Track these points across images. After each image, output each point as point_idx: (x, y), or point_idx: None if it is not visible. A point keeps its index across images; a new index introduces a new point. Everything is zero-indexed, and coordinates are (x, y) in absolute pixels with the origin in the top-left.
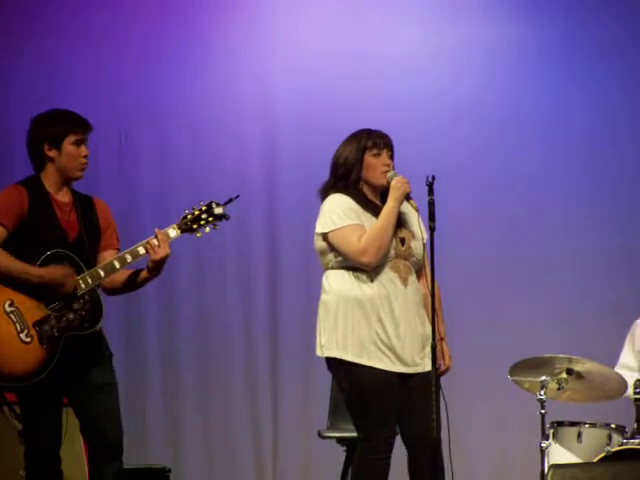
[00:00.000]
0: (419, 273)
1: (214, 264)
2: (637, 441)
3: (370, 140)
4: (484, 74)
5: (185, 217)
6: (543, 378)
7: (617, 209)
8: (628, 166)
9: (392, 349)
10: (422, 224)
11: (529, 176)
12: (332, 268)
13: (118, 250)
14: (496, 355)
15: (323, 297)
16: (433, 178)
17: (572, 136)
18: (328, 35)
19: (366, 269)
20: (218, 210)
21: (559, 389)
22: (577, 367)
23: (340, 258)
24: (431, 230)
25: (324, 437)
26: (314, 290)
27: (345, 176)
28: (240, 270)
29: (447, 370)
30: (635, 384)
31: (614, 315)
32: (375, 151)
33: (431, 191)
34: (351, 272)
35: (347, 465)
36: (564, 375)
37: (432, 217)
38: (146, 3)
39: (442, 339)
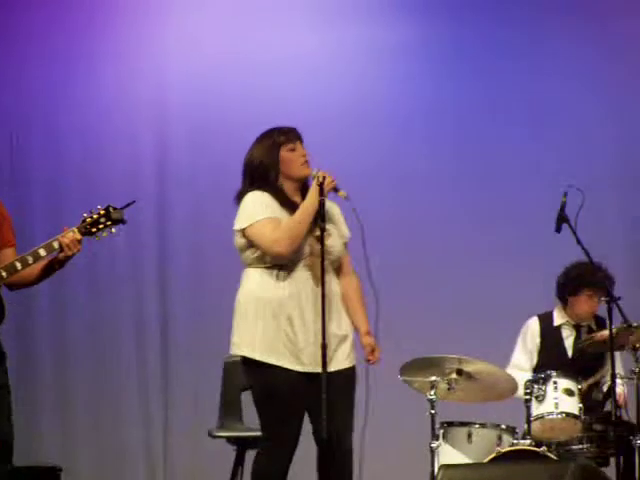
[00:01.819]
0: (338, 271)
1: (105, 264)
2: (527, 442)
3: (282, 136)
4: (383, 74)
5: (84, 220)
6: (433, 378)
7: (510, 207)
8: (521, 168)
9: (301, 349)
10: (344, 222)
11: (426, 174)
12: (250, 265)
13: (14, 246)
14: (389, 355)
15: (237, 296)
16: (324, 178)
17: (467, 135)
18: (223, 36)
19: (282, 262)
20: (116, 215)
21: (449, 389)
22: (467, 367)
23: (257, 254)
24: (321, 230)
25: (214, 436)
26: (204, 291)
27: (263, 177)
28: (131, 270)
29: (376, 361)
30: (525, 385)
31: (505, 315)
32: (290, 145)
33: (322, 192)
34: (267, 270)
35: (237, 464)
36: (454, 375)
37: (322, 218)
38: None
39: (368, 333)
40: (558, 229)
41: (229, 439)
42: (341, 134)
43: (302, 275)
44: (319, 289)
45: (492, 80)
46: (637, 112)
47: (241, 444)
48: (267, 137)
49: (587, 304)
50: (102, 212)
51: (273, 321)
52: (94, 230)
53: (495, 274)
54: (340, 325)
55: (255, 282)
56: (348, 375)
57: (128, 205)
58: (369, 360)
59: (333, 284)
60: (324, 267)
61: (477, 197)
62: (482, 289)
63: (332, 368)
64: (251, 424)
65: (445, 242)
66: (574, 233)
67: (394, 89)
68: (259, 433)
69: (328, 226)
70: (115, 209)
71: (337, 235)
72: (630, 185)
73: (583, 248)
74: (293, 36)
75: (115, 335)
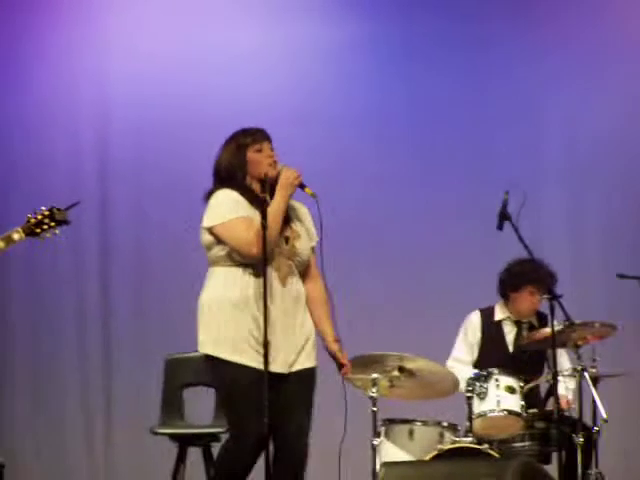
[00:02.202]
0: (305, 273)
1: (47, 261)
2: (469, 439)
3: (248, 137)
4: (331, 72)
5: (29, 221)
6: (375, 376)
7: (453, 205)
8: (465, 165)
9: (266, 348)
10: (313, 223)
11: (373, 173)
12: (216, 264)
13: None
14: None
15: (202, 294)
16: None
17: (415, 133)
18: (166, 34)
19: (251, 263)
20: (60, 216)
21: (391, 387)
22: (409, 365)
23: (224, 252)
24: (263, 228)
25: (156, 433)
26: (146, 288)
27: (231, 178)
28: (73, 267)
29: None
30: (467, 382)
31: (447, 313)
32: (256, 146)
33: (271, 191)
34: (233, 268)
35: (179, 461)
36: (396, 373)
37: (264, 216)
38: None
39: (336, 340)
40: (500, 227)
41: (171, 436)
42: (290, 134)
43: (268, 275)
44: (285, 289)
45: (441, 78)
46: (581, 108)
47: (182, 441)
48: (234, 139)
49: (529, 300)
50: (46, 213)
51: (238, 320)
52: (38, 231)
53: (437, 272)
54: (304, 326)
55: (221, 281)
56: (309, 375)
57: (72, 206)
58: (344, 373)
59: (298, 285)
60: (265, 266)
61: (422, 195)
62: (424, 286)
63: (295, 368)
64: (193, 421)
65: (388, 239)
66: (516, 231)
67: (343, 87)
68: (201, 430)
69: (297, 227)
70: (59, 210)
71: (306, 237)
72: (573, 183)
73: (525, 245)
74: (239, 34)
75: (57, 333)
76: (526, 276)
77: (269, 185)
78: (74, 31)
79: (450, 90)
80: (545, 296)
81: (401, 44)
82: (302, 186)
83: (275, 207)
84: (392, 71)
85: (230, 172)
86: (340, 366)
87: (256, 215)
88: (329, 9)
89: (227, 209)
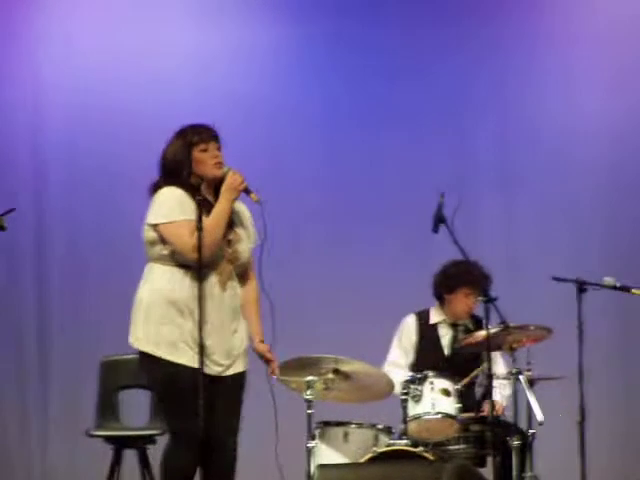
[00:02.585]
0: (243, 276)
1: None
2: (404, 442)
3: (196, 135)
4: (265, 73)
5: None
6: (310, 378)
7: (388, 207)
8: (400, 168)
9: (203, 350)
10: (253, 226)
11: (307, 173)
12: (156, 261)
13: None
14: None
15: (140, 290)
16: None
17: (349, 134)
18: (101, 34)
19: (191, 265)
20: None
21: (326, 389)
22: (344, 367)
23: (167, 251)
24: (198, 230)
25: (92, 436)
26: (81, 289)
27: (176, 174)
28: (6, 269)
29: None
30: (402, 385)
31: (382, 315)
32: (202, 146)
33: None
34: (174, 268)
35: (114, 464)
36: (331, 375)
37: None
38: None
39: (262, 341)
40: (435, 229)
41: (106, 438)
42: (226, 134)
43: (209, 277)
44: (224, 294)
45: (376, 80)
46: (515, 110)
47: (118, 443)
48: (181, 135)
49: (464, 302)
50: None
51: (177, 320)
52: None
53: (373, 274)
54: (241, 330)
55: (161, 279)
56: (241, 379)
57: (8, 212)
58: (271, 373)
59: (237, 289)
60: (202, 267)
61: (357, 197)
62: (360, 289)
63: (231, 371)
64: (128, 423)
65: (325, 242)
66: (451, 233)
67: (281, 87)
68: (136, 432)
69: (239, 230)
70: None
71: (247, 240)
72: (508, 185)
73: (460, 248)
74: (174, 34)
75: None
76: (461, 278)
77: (214, 186)
78: (8, 25)
79: (386, 93)
80: (480, 298)
81: (336, 46)
82: (247, 191)
83: (218, 211)
84: (329, 73)
85: (175, 168)
86: (268, 364)
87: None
88: (266, 10)
89: (173, 209)
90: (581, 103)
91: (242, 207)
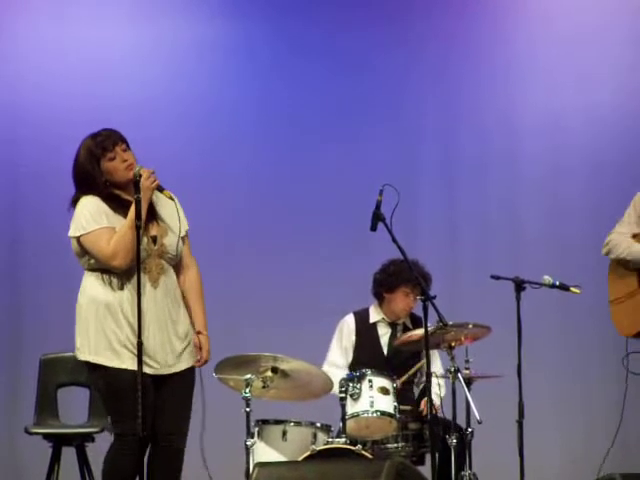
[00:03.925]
0: (178, 265)
1: None
2: (342, 440)
3: (99, 148)
4: (200, 72)
5: None
6: (248, 376)
7: (327, 206)
8: (337, 166)
9: (143, 351)
10: (182, 215)
11: (243, 173)
12: (88, 270)
13: None
14: None
15: (78, 300)
16: (140, 176)
17: (284, 133)
18: (35, 31)
19: (117, 271)
20: None
21: (264, 387)
22: (282, 365)
23: (93, 261)
24: (137, 229)
25: (31, 433)
26: (24, 286)
27: (89, 185)
28: None
29: (204, 363)
30: (340, 383)
31: (321, 313)
32: (109, 155)
33: (137, 189)
34: (104, 275)
35: (53, 461)
36: (269, 373)
37: (138, 216)
38: None
39: (200, 332)
40: (374, 227)
41: (45, 436)
42: (161, 133)
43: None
44: (157, 291)
45: (315, 77)
46: (457, 107)
47: (57, 441)
48: (85, 148)
49: (403, 301)
50: None
51: (113, 324)
52: None
53: (312, 272)
54: (181, 324)
55: (94, 286)
56: (187, 376)
57: None
58: (197, 363)
59: (172, 284)
60: (140, 268)
61: (295, 194)
62: (299, 287)
63: (176, 369)
64: (67, 421)
65: (262, 239)
66: (390, 231)
67: (215, 85)
68: (75, 430)
69: (163, 224)
70: None
71: (175, 231)
72: (448, 184)
73: (399, 246)
74: (110, 31)
75: None
76: (400, 277)
77: (132, 184)
78: None
79: (325, 90)
80: (419, 297)
81: (274, 44)
82: (160, 189)
83: (130, 217)
84: (268, 71)
85: (88, 179)
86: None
87: (120, 222)
88: (204, 8)
89: (88, 220)
90: (522, 100)
91: (164, 200)
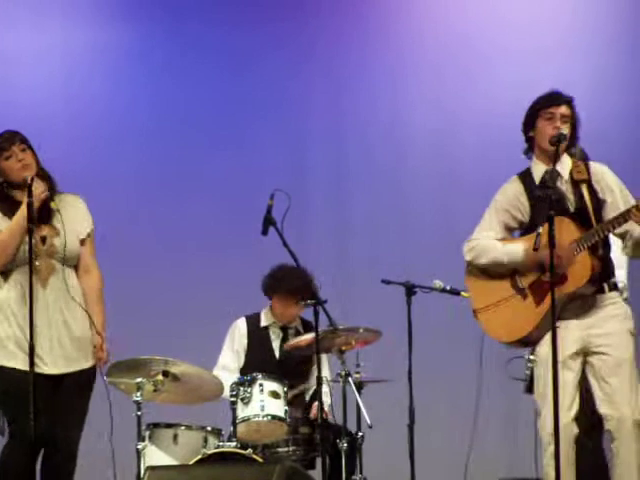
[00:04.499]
0: (77, 267)
1: None
2: (233, 444)
3: None
4: (95, 75)
5: None
6: (139, 380)
7: (220, 209)
8: (232, 168)
9: (34, 351)
10: (86, 217)
11: (138, 175)
12: None
13: None
14: None
15: None
16: (32, 180)
17: (181, 134)
18: None
19: (9, 268)
20: None
21: (155, 391)
22: (173, 369)
23: None
24: (29, 232)
25: None
26: None
27: None
28: None
29: (105, 363)
30: (231, 387)
31: (213, 317)
32: (5, 154)
33: (30, 193)
34: None
35: None
36: (160, 377)
37: (31, 220)
38: None
39: (98, 334)
40: (265, 232)
41: None
42: (52, 134)
43: (26, 278)
44: (46, 291)
45: (206, 79)
46: (348, 112)
47: None
48: None
49: (281, 307)
50: None
51: (5, 324)
52: None
53: (204, 276)
54: (75, 323)
55: None
56: (82, 377)
57: None
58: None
59: (62, 284)
60: (32, 270)
61: (185, 198)
62: (191, 290)
63: (71, 369)
64: None
65: (152, 243)
66: (281, 236)
67: (107, 88)
68: None
69: (57, 225)
70: None
71: (72, 233)
72: (340, 187)
73: (290, 250)
74: (3, 33)
75: None
76: (276, 284)
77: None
78: None
79: (219, 92)
80: (310, 302)
81: (169, 44)
82: (48, 200)
83: (16, 218)
84: (162, 71)
85: None
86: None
87: (6, 223)
88: (98, 8)
89: None
90: (411, 99)
91: (72, 197)
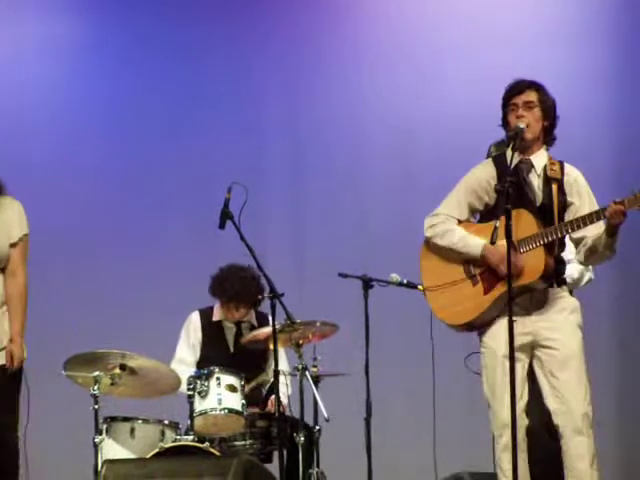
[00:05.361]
0: (4, 270)
1: None
2: (190, 437)
3: None
4: (49, 68)
5: None
6: (96, 373)
7: (179, 202)
8: (187, 161)
9: None
10: (19, 221)
11: (93, 169)
12: None
13: None
14: (53, 349)
15: None
16: None
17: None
18: None
19: None
20: None
21: (113, 384)
22: (130, 363)
23: None
24: None
25: None
26: None
27: None
28: None
29: (13, 370)
30: (188, 381)
31: (170, 311)
32: None
33: None
34: None
35: None
36: (117, 370)
37: None
38: None
39: (11, 340)
40: (222, 225)
41: None
42: (6, 130)
43: None
44: None
45: (164, 73)
46: (305, 102)
47: None
48: None
49: (225, 310)
50: None
51: None
52: None
53: (160, 269)
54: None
55: None
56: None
57: None
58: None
59: None
60: None
61: (141, 191)
62: (148, 283)
63: None
64: None
65: (110, 236)
66: (238, 229)
67: (62, 82)
68: None
69: None
70: None
71: (3, 235)
72: (297, 180)
73: (247, 244)
74: None
75: None
76: (216, 287)
77: None
78: None
79: (178, 85)
80: (266, 295)
81: (125, 40)
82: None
83: None
84: (115, 65)
85: None
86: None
87: None
88: (48, 3)
89: None
90: (369, 94)
91: (7, 201)
